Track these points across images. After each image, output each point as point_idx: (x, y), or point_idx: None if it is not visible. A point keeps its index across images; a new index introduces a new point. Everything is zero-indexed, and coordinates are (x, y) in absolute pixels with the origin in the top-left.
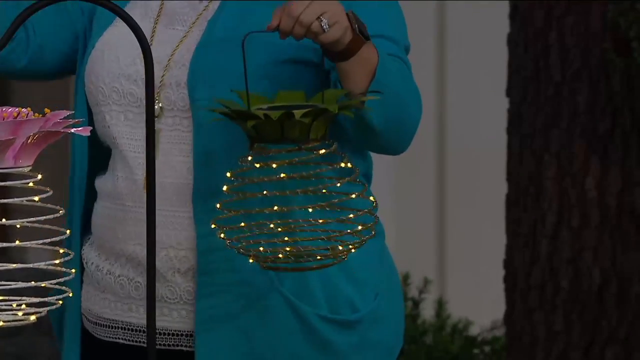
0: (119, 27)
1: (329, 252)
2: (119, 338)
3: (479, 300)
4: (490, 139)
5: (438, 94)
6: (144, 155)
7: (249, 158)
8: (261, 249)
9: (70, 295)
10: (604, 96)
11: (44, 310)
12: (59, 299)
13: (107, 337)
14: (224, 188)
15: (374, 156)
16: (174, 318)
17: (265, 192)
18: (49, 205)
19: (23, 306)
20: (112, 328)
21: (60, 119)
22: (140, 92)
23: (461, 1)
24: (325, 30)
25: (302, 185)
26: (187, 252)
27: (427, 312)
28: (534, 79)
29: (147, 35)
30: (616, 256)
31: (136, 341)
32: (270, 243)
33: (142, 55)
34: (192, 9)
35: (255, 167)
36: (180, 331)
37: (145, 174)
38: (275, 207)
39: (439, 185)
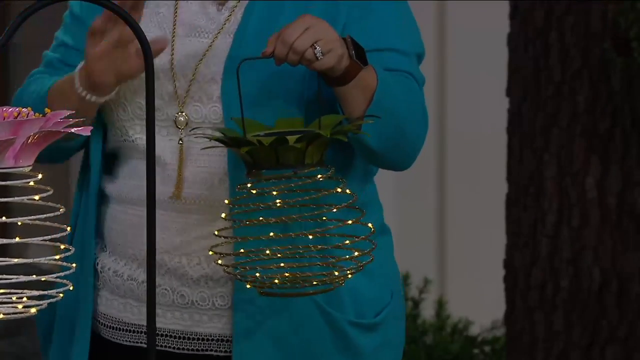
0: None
1: (326, 277)
2: (141, 342)
3: (479, 300)
4: (491, 139)
5: (438, 93)
6: (173, 168)
7: (248, 185)
8: (257, 274)
9: (71, 289)
10: (604, 96)
11: (44, 303)
12: (60, 292)
13: (128, 341)
14: (222, 215)
15: None
16: (204, 322)
17: (260, 218)
18: (49, 204)
19: (24, 299)
20: (133, 332)
21: (60, 119)
22: (165, 105)
23: (461, 1)
24: (319, 58)
25: (298, 212)
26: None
27: (427, 312)
28: (534, 78)
29: (167, 46)
30: (616, 256)
31: (160, 345)
32: (266, 269)
33: (163, 69)
34: (209, 19)
35: (252, 193)
36: (211, 335)
37: (176, 184)
38: (272, 234)
39: (439, 184)
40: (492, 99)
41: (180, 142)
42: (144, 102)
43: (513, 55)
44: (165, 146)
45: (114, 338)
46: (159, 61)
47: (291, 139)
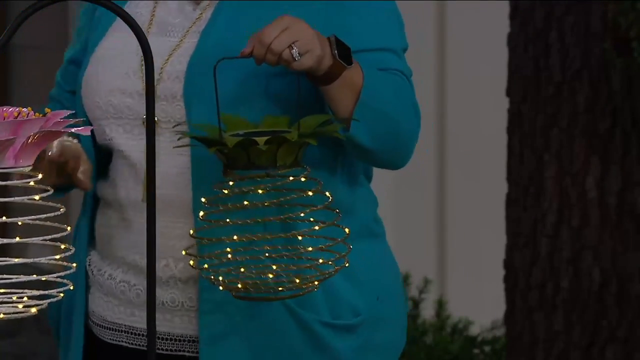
0: (109, 42)
1: (291, 284)
2: (122, 341)
3: (479, 300)
4: (491, 139)
5: (438, 94)
6: (144, 168)
7: (225, 184)
8: (221, 278)
9: (71, 288)
10: (604, 96)
11: (44, 302)
12: (60, 292)
13: (111, 339)
14: (200, 214)
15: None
16: (175, 324)
17: (227, 220)
18: (49, 204)
19: (25, 299)
20: (115, 331)
21: (61, 119)
22: (136, 104)
23: (461, 1)
24: (296, 59)
25: (267, 214)
26: (187, 263)
27: (427, 312)
28: (534, 78)
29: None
30: (616, 256)
31: (139, 345)
32: (237, 273)
33: (134, 68)
34: (185, 17)
35: (225, 193)
36: (182, 336)
37: (145, 186)
38: (235, 237)
39: (439, 184)
40: (492, 99)
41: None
42: (115, 100)
43: (513, 55)
44: (135, 145)
45: (100, 335)
46: (129, 61)
47: (260, 140)
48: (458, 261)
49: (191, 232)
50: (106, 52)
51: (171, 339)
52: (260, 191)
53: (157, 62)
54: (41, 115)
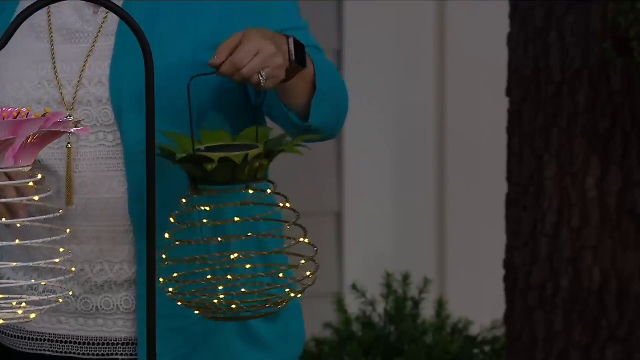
0: (6, 57)
1: (266, 303)
2: (45, 350)
3: (479, 300)
4: (491, 139)
5: (438, 93)
6: (63, 174)
7: (184, 200)
8: (186, 297)
9: (71, 293)
10: (604, 96)
11: (44, 308)
12: (59, 297)
13: (30, 349)
14: (166, 236)
15: (375, 155)
16: (110, 328)
17: (188, 240)
18: (48, 205)
19: (23, 304)
20: (36, 340)
21: (60, 119)
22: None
23: (461, 1)
24: (262, 83)
25: (230, 231)
26: (123, 265)
27: (427, 312)
28: (534, 78)
29: (47, 55)
30: (616, 256)
31: (65, 352)
32: (206, 293)
33: (47, 77)
34: (85, 22)
35: (190, 210)
36: (116, 340)
37: (66, 189)
38: (199, 256)
39: (439, 184)
40: (492, 99)
41: (69, 145)
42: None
43: (513, 55)
44: (52, 154)
45: (16, 347)
46: (40, 71)
47: (251, 153)
48: (458, 261)
49: (164, 256)
50: (10, 67)
51: (104, 344)
52: (209, 208)
53: (73, 69)
54: (41, 115)
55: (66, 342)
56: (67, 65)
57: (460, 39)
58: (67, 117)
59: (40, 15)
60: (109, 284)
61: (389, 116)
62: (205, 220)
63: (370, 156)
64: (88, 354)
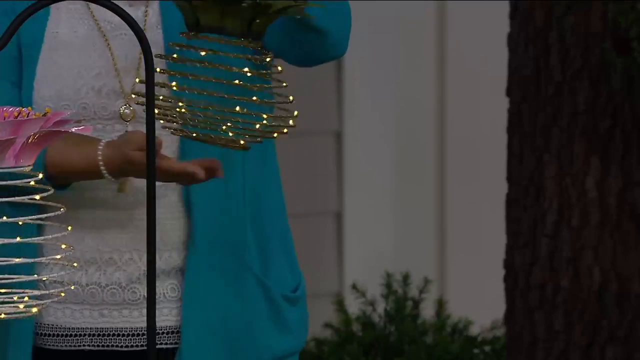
0: (62, 45)
1: (257, 129)
2: (84, 345)
3: (479, 300)
4: (491, 139)
5: (438, 94)
6: None
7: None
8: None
9: (72, 288)
10: (604, 96)
11: (45, 302)
12: (61, 291)
13: (67, 346)
14: (157, 69)
15: (375, 155)
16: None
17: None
18: (50, 203)
19: (25, 299)
20: (75, 336)
21: (61, 119)
22: (112, 104)
23: (461, 1)
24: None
25: (216, 75)
26: (172, 252)
27: (427, 312)
28: (534, 78)
29: (101, 44)
30: (616, 256)
31: (107, 345)
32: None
33: (105, 67)
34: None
35: (183, 46)
36: (160, 329)
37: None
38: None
39: (439, 184)
40: (492, 99)
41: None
42: (89, 102)
43: (513, 55)
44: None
45: (51, 345)
46: (98, 60)
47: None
48: (458, 261)
49: (158, 69)
50: (65, 48)
51: (138, 334)
52: (202, 53)
53: (129, 58)
54: (42, 114)
55: (108, 335)
56: (122, 55)
57: (460, 39)
58: (123, 106)
59: (83, 7)
60: (156, 272)
61: (389, 116)
62: (203, 53)
63: (370, 156)
64: (131, 346)
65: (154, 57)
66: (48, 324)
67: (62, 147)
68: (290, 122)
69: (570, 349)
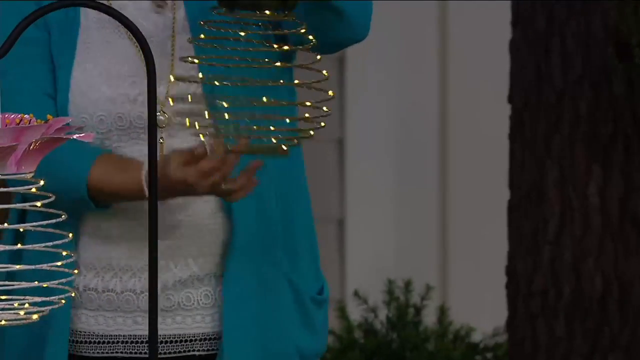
0: (93, 52)
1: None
2: (118, 352)
3: (481, 306)
4: (492, 145)
5: (440, 99)
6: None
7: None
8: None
9: (73, 295)
10: (606, 102)
11: (46, 309)
12: (62, 298)
13: (100, 353)
14: (202, 36)
15: (377, 162)
16: (188, 324)
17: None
18: (51, 210)
19: (26, 305)
20: (109, 344)
21: (63, 125)
22: (146, 111)
23: (463, 8)
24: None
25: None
26: (207, 258)
27: (429, 318)
28: (535, 85)
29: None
30: (618, 262)
31: (140, 352)
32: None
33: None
34: (151, 23)
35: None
36: (194, 336)
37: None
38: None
39: (441, 191)
40: (493, 106)
41: (162, 140)
42: (124, 112)
43: (515, 61)
44: (143, 150)
45: (86, 352)
46: (130, 68)
47: None
48: (460, 268)
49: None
50: (97, 58)
51: (182, 341)
52: (242, 33)
53: (160, 65)
54: (43, 121)
55: (142, 342)
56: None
57: (462, 45)
58: (158, 113)
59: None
60: (191, 279)
61: (391, 123)
62: (242, 33)
63: (372, 163)
64: (166, 352)
65: (182, 61)
66: (82, 331)
67: (104, 171)
68: (322, 123)
69: (572, 355)
